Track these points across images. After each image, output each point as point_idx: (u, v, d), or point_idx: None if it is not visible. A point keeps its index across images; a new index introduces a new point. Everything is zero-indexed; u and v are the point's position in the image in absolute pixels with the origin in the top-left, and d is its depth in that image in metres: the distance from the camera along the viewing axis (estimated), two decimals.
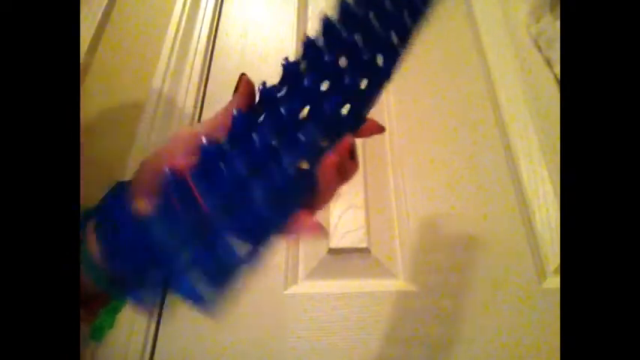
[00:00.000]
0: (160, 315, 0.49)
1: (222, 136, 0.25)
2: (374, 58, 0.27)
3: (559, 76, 0.63)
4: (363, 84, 0.27)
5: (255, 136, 0.24)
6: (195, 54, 0.68)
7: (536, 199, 0.54)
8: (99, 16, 0.71)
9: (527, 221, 0.53)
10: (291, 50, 0.68)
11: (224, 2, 0.76)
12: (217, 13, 0.74)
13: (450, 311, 0.48)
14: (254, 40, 0.71)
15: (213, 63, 0.69)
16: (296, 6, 0.74)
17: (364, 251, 0.51)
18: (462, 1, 0.74)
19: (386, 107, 0.62)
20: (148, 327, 0.48)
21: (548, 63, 0.65)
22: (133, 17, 0.74)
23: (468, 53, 0.68)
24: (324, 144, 0.25)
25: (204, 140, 0.24)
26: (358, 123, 0.27)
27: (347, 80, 0.26)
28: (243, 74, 0.28)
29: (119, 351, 0.46)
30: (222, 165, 0.23)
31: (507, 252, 0.52)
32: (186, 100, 0.64)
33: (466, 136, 0.60)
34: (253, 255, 0.23)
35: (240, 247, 0.23)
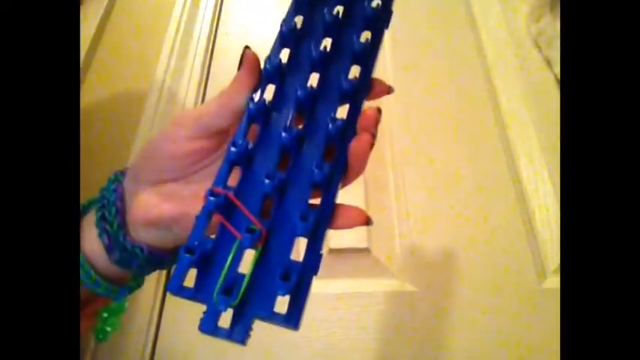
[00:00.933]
0: (160, 315, 0.49)
1: (227, 120, 0.24)
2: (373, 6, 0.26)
3: (559, 76, 0.63)
4: (364, 38, 0.25)
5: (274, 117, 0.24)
6: (195, 54, 0.68)
7: (536, 199, 0.54)
8: (99, 16, 0.71)
9: (527, 221, 0.53)
10: None
11: (224, 2, 0.76)
12: (217, 12, 0.74)
13: (450, 311, 0.48)
14: (254, 40, 0.71)
15: (213, 63, 0.69)
16: None
17: (364, 251, 0.51)
18: (461, 1, 0.74)
19: (386, 107, 0.62)
20: (148, 327, 0.48)
21: (548, 63, 0.65)
22: (133, 17, 0.74)
23: (467, 53, 0.68)
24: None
25: (233, 148, 0.23)
26: (369, 84, 0.25)
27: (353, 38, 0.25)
28: (246, 47, 0.26)
29: (119, 351, 0.46)
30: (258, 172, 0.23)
31: (507, 252, 0.52)
32: (186, 100, 0.64)
33: (466, 136, 0.60)
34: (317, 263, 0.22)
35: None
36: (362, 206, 0.54)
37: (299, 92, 0.23)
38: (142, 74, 0.66)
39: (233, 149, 0.22)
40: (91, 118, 0.61)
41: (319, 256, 0.21)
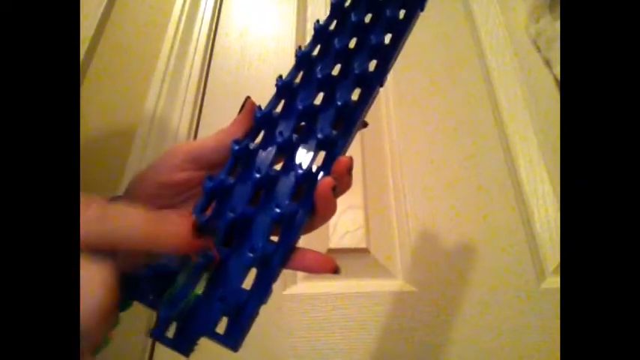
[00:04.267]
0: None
1: (220, 155, 0.26)
2: (397, 13, 0.29)
3: (558, 77, 0.63)
4: (387, 39, 0.28)
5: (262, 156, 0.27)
6: (194, 53, 0.68)
7: (535, 199, 0.54)
8: (99, 16, 0.71)
9: (527, 221, 0.53)
10: (291, 50, 0.68)
11: (224, 2, 0.76)
12: (217, 12, 0.74)
13: (450, 311, 0.48)
14: (254, 39, 0.71)
15: (212, 62, 0.69)
16: (296, 6, 0.74)
17: (363, 251, 0.51)
18: (461, 2, 0.74)
19: (385, 107, 0.62)
20: (148, 327, 0.48)
21: (548, 63, 0.65)
22: (132, 17, 0.74)
23: (467, 53, 0.68)
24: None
25: (208, 181, 0.25)
26: (383, 78, 0.28)
27: (373, 39, 0.28)
28: (247, 97, 0.29)
29: (119, 351, 0.46)
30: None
31: (507, 252, 0.52)
32: (186, 99, 0.64)
33: (466, 136, 0.60)
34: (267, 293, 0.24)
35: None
36: (361, 206, 0.54)
37: (279, 139, 0.27)
38: (142, 74, 0.66)
39: (208, 182, 0.25)
40: (91, 118, 0.61)
41: (268, 288, 0.23)
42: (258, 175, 0.25)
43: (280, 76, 0.28)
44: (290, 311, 0.49)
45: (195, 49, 0.69)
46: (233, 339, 0.22)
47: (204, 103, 0.65)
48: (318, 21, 0.30)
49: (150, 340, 0.47)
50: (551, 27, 0.64)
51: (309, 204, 0.25)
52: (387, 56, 0.28)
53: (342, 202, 0.58)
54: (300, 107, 0.27)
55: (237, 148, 0.26)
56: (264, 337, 0.47)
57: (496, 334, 0.47)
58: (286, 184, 0.26)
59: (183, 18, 0.72)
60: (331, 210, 0.25)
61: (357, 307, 0.49)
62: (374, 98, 0.28)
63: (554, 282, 0.49)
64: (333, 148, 0.26)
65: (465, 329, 0.47)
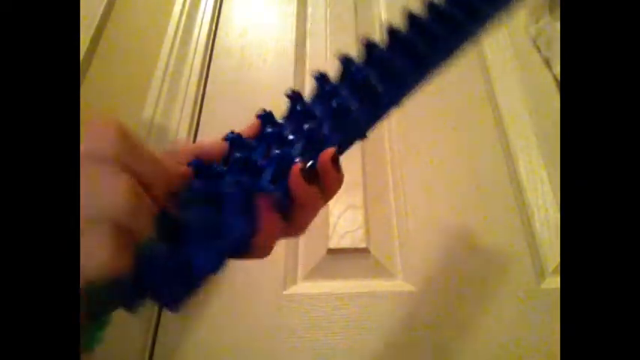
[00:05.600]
0: (159, 315, 0.49)
1: (217, 154, 0.26)
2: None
3: (558, 77, 0.63)
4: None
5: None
6: (194, 53, 0.68)
7: (535, 199, 0.54)
8: (99, 16, 0.71)
9: (527, 221, 0.53)
10: (291, 50, 0.68)
11: (223, 2, 0.76)
12: (217, 12, 0.74)
13: (450, 311, 0.48)
14: (254, 39, 0.71)
15: (212, 62, 0.69)
16: (296, 6, 0.74)
17: (363, 251, 0.51)
18: None
19: None
20: (148, 327, 0.48)
21: (548, 63, 0.65)
22: (132, 17, 0.74)
23: (467, 53, 0.68)
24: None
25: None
26: (367, 127, 0.27)
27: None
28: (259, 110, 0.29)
29: (119, 351, 0.46)
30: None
31: (506, 252, 0.52)
32: (186, 99, 0.64)
33: (465, 136, 0.60)
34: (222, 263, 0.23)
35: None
36: (361, 206, 0.54)
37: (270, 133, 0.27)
38: (142, 74, 0.66)
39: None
40: (90, 118, 0.61)
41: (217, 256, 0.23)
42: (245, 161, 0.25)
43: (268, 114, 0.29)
44: (290, 311, 0.49)
45: (195, 49, 0.69)
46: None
47: (204, 103, 0.65)
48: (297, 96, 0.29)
49: (150, 340, 0.47)
50: (551, 27, 0.64)
51: (282, 187, 0.24)
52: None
53: (342, 202, 0.58)
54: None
55: (232, 135, 0.27)
56: (264, 337, 0.47)
57: (496, 334, 0.47)
58: (267, 171, 0.25)
59: (183, 18, 0.72)
60: (306, 199, 0.24)
61: (357, 307, 0.49)
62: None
63: (554, 282, 0.49)
64: (321, 144, 0.26)
65: (465, 329, 0.47)
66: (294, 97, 0.29)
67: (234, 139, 0.27)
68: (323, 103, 0.28)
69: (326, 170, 0.24)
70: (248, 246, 0.24)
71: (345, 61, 0.29)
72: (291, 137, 0.27)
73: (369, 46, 0.29)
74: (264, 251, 0.24)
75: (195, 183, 0.24)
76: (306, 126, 0.26)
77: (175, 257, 0.22)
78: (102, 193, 0.19)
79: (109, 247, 0.18)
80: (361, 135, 0.27)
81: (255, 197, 0.23)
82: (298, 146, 0.26)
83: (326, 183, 0.25)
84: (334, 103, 0.27)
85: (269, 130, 0.28)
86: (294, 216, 0.25)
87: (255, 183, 0.24)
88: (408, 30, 0.30)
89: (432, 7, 0.30)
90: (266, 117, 0.29)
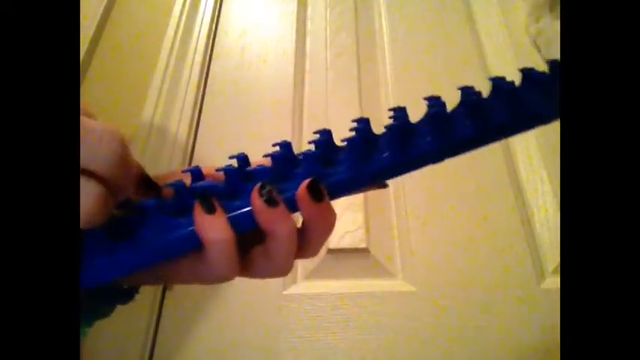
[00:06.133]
0: (159, 315, 0.49)
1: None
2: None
3: None
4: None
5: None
6: (194, 53, 0.68)
7: (535, 199, 0.54)
8: (99, 16, 0.71)
9: (527, 221, 0.53)
10: (291, 50, 0.68)
11: (223, 2, 0.76)
12: (217, 13, 0.74)
13: (450, 311, 0.48)
14: (254, 39, 0.71)
15: (212, 62, 0.69)
16: (296, 6, 0.74)
17: (363, 251, 0.51)
18: (461, 2, 0.74)
19: (385, 107, 0.62)
20: (148, 327, 0.48)
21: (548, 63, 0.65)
22: (132, 17, 0.74)
23: (467, 53, 0.68)
24: None
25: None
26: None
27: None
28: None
29: (119, 351, 0.46)
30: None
31: (506, 252, 0.52)
32: (186, 99, 0.64)
33: None
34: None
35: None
36: (361, 206, 0.54)
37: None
38: (142, 74, 0.66)
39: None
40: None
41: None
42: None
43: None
44: (290, 311, 0.49)
45: (195, 49, 0.69)
46: None
47: (204, 104, 0.65)
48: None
49: (150, 340, 0.47)
50: (551, 26, 0.64)
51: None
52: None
53: (342, 202, 0.58)
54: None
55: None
56: (264, 337, 0.47)
57: (496, 334, 0.47)
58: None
59: (183, 18, 0.72)
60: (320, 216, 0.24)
61: (357, 307, 0.49)
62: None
63: (554, 282, 0.49)
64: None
65: (465, 329, 0.47)
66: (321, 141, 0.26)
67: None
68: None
69: (304, 205, 0.23)
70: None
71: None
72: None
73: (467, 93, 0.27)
74: (283, 270, 0.24)
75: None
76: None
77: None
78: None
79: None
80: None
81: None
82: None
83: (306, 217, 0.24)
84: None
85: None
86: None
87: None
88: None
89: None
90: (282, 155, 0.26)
